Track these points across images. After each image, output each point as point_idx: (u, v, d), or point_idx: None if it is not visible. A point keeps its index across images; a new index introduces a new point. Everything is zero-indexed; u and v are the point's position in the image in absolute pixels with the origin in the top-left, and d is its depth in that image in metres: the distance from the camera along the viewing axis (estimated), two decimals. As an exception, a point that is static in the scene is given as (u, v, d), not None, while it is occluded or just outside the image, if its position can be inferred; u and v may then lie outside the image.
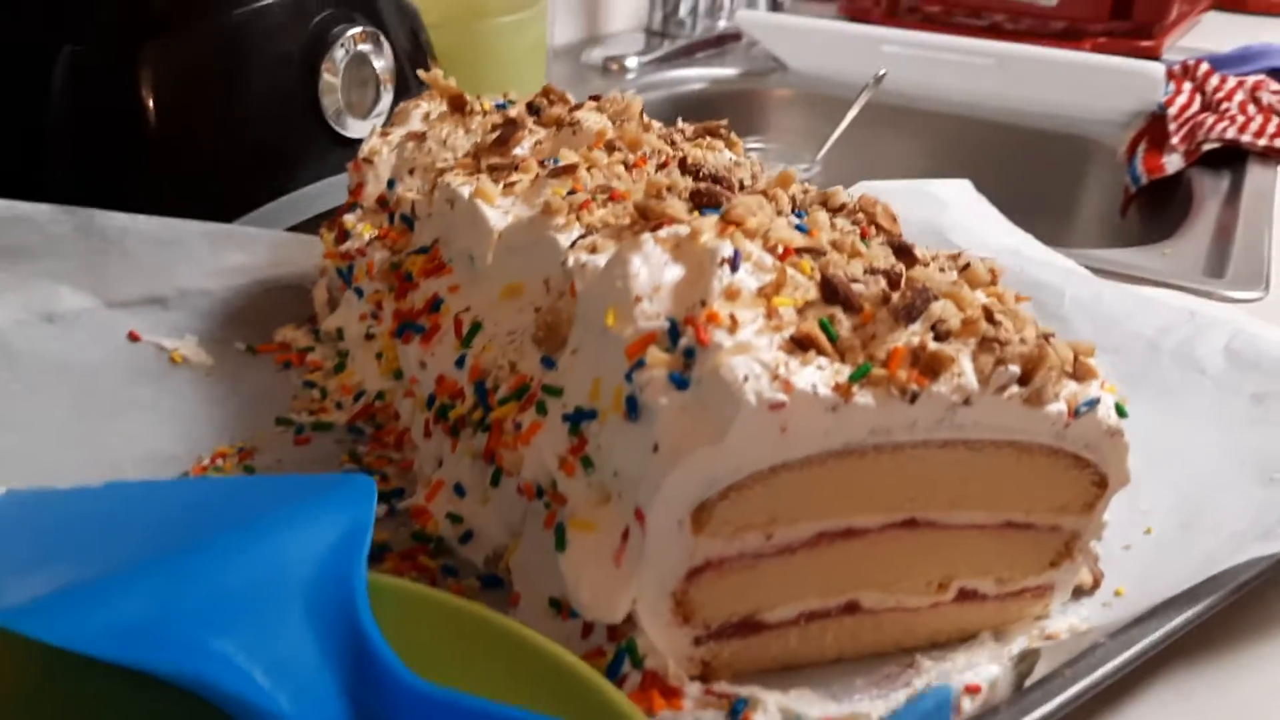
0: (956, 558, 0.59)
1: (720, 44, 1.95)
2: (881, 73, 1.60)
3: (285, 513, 0.51)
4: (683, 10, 1.90)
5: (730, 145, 0.78)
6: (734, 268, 0.55)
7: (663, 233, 0.57)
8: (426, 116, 0.83)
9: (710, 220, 0.58)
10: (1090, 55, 1.69)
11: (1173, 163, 1.43)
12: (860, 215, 0.67)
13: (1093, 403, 0.55)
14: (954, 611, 0.61)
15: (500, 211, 0.67)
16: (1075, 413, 0.55)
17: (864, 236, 0.64)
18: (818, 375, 0.51)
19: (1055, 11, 1.93)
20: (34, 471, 0.66)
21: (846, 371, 0.52)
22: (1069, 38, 1.87)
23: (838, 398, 0.51)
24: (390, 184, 0.79)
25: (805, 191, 0.69)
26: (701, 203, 0.62)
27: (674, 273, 0.57)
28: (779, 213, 0.66)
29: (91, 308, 0.83)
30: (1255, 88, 1.56)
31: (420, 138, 0.80)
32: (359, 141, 0.94)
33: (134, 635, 0.42)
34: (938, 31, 1.82)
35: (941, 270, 0.60)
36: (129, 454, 0.72)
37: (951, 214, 1.08)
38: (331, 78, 1.01)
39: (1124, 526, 0.69)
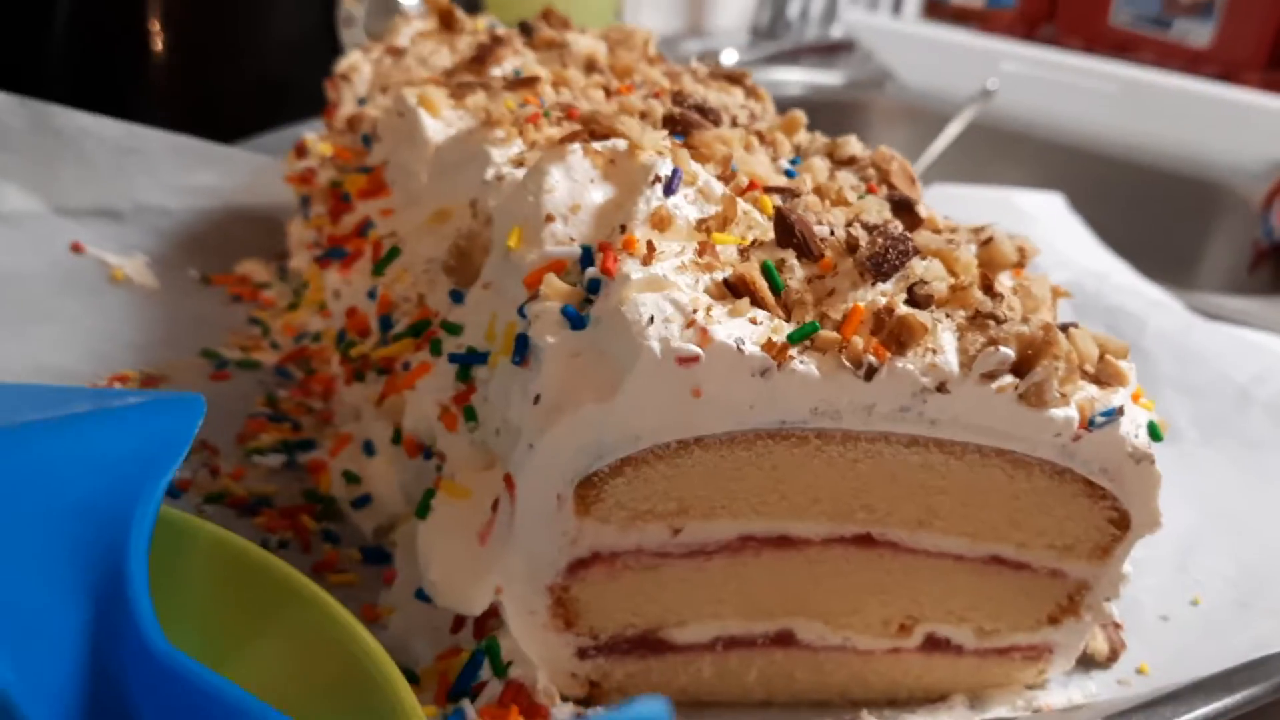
0: (924, 594, 0.47)
1: (831, 52, 1.84)
2: (992, 86, 1.46)
3: (75, 426, 0.42)
4: (790, 12, 1.80)
5: (752, 94, 0.67)
6: (670, 190, 0.44)
7: (597, 145, 0.47)
8: (417, 34, 0.74)
9: (658, 136, 0.47)
10: (1228, 89, 1.53)
11: (1317, 221, 1.27)
12: (871, 171, 0.55)
13: (1113, 413, 0.43)
14: (918, 663, 0.48)
15: (443, 124, 0.57)
16: (1090, 423, 0.42)
17: (870, 193, 0.53)
18: (748, 329, 0.40)
19: (1209, 54, 1.76)
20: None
21: (787, 329, 0.40)
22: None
23: (769, 360, 0.40)
24: (362, 103, 0.70)
25: (813, 141, 0.58)
26: (673, 129, 0.51)
27: (601, 192, 0.46)
28: (774, 159, 0.55)
29: (39, 212, 0.76)
30: None
31: (400, 53, 0.70)
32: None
33: None
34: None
35: (950, 238, 0.48)
36: (23, 364, 0.63)
37: (1035, 229, 0.96)
38: (352, 3, 0.92)
39: (1167, 592, 0.56)
